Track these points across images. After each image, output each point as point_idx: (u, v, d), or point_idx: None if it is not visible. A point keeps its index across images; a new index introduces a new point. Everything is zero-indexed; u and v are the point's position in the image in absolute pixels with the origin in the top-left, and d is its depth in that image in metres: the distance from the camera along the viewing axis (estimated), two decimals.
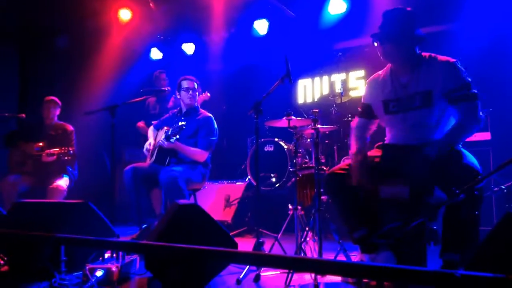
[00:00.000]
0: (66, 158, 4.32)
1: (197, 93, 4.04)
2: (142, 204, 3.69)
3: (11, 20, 5.87)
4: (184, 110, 4.06)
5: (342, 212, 2.46)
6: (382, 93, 2.55)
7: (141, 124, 5.41)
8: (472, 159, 2.24)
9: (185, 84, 4.01)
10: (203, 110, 4.10)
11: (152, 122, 4.38)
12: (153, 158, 3.88)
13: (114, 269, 2.57)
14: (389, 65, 2.59)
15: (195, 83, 4.02)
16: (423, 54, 2.46)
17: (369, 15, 5.05)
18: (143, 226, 3.63)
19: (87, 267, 2.55)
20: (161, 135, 3.80)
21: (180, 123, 3.63)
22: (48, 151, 4.30)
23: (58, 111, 4.76)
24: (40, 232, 2.27)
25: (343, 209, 2.45)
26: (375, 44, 2.48)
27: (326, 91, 5.99)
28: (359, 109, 2.72)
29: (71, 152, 4.32)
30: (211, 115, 4.03)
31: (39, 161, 4.36)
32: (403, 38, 2.39)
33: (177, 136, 3.67)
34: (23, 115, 4.97)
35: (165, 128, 3.84)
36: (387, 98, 2.53)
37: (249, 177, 5.01)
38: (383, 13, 2.49)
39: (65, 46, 6.33)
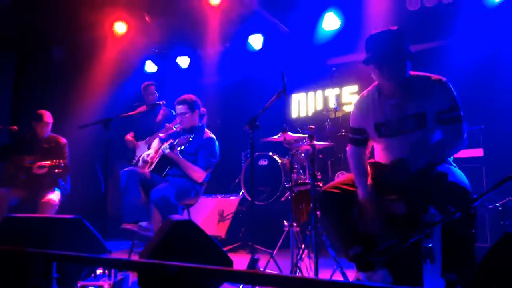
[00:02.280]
0: (57, 170, 4.27)
1: (190, 115, 3.93)
2: (136, 204, 3.56)
3: (7, 32, 5.86)
4: (187, 128, 4.01)
5: (336, 231, 2.43)
6: (372, 115, 2.49)
7: (129, 137, 5.20)
8: (461, 176, 2.25)
9: (176, 109, 3.99)
10: (207, 130, 4.06)
11: (159, 134, 4.33)
12: (152, 166, 3.84)
13: (106, 286, 2.54)
14: (375, 84, 2.53)
15: (186, 105, 3.91)
16: (411, 73, 2.41)
17: (362, 32, 5.10)
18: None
19: (79, 284, 2.51)
20: (165, 145, 3.78)
21: (188, 136, 3.61)
22: (39, 163, 4.26)
23: (49, 126, 4.70)
24: (31, 248, 2.23)
25: (337, 228, 2.42)
26: (369, 66, 2.43)
27: (320, 106, 6.02)
28: (350, 135, 2.62)
29: (62, 165, 4.27)
30: (213, 136, 3.99)
31: (30, 173, 4.31)
32: (396, 56, 2.34)
33: (182, 148, 3.64)
34: (15, 127, 4.91)
35: (170, 140, 3.83)
36: (377, 121, 2.47)
37: (243, 191, 4.98)
38: (370, 37, 2.41)
39: (60, 58, 6.33)
